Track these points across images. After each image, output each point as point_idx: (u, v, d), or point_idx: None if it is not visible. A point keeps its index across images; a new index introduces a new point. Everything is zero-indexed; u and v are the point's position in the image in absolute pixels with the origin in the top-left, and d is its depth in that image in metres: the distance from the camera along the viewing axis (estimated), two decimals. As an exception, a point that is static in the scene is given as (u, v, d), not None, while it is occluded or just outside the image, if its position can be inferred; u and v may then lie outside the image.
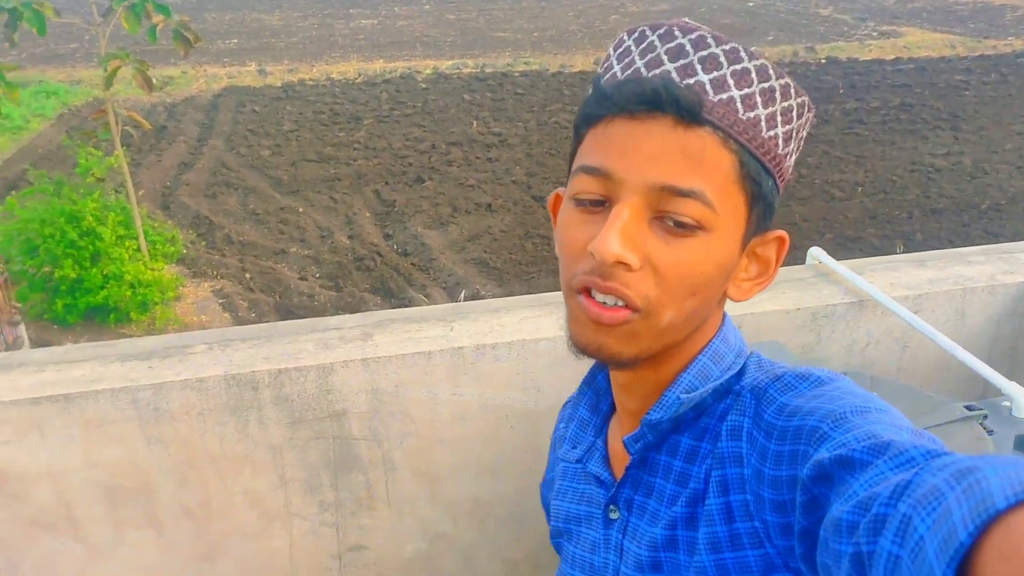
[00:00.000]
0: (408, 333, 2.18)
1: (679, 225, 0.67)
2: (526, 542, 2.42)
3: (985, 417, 1.81)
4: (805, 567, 0.62)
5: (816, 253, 2.47)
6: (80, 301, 7.51)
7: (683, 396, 0.74)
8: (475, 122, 12.25)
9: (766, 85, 0.68)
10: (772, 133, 0.68)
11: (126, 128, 8.14)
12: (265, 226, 9.21)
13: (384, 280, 8.06)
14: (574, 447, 0.86)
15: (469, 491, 2.31)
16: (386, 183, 10.22)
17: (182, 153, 11.31)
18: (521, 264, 8.28)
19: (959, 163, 10.51)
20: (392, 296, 7.83)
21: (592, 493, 0.85)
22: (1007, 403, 1.93)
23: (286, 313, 7.61)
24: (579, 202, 0.70)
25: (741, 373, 0.77)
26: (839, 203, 9.60)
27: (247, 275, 8.27)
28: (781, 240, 0.76)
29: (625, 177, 0.66)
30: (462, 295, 7.77)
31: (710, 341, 0.77)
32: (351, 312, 7.58)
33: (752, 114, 0.67)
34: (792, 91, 0.69)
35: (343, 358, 2.08)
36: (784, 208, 9.29)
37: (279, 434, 2.13)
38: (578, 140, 0.72)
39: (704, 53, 0.67)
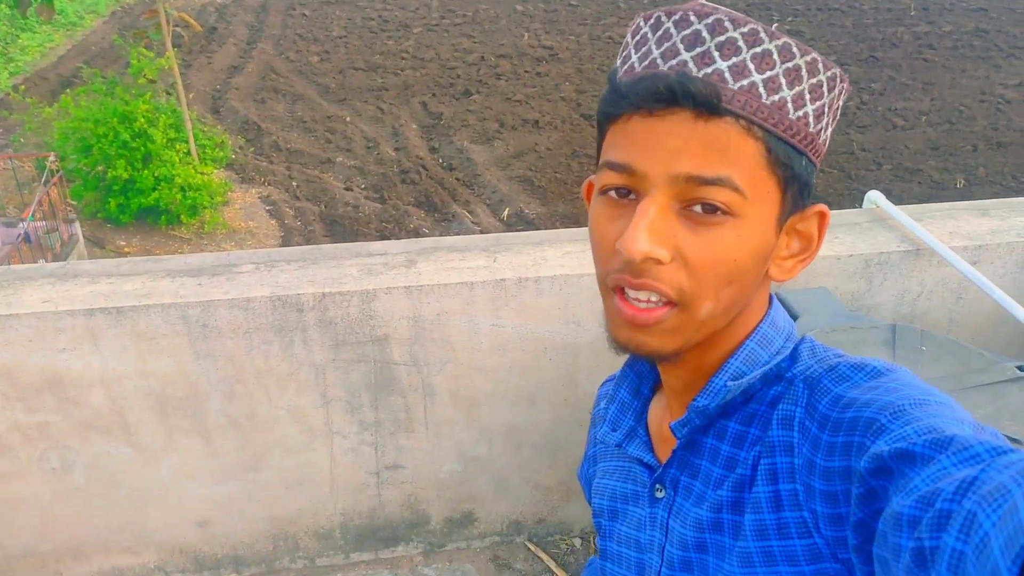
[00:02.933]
0: (451, 263, 2.18)
1: (708, 210, 0.65)
2: (559, 469, 2.47)
3: (1036, 378, 1.76)
4: (857, 559, 0.61)
5: (874, 197, 2.39)
6: (132, 202, 7.63)
7: (730, 384, 0.72)
8: (526, 34, 11.96)
9: (790, 65, 0.65)
10: (801, 113, 0.66)
11: (177, 29, 8.10)
12: (312, 134, 9.20)
13: (428, 194, 8.05)
14: (614, 429, 0.86)
15: (505, 418, 2.35)
16: (433, 95, 10.09)
17: (232, 56, 11.26)
18: (566, 183, 8.18)
19: (1032, 95, 10.03)
20: (435, 210, 7.82)
21: (637, 472, 0.85)
22: (1060, 364, 1.88)
23: (331, 222, 7.67)
24: (607, 194, 0.69)
25: (794, 359, 0.74)
26: (901, 132, 9.25)
27: (294, 183, 8.32)
28: (822, 215, 0.72)
29: (649, 171, 0.65)
30: (505, 212, 7.73)
31: (757, 325, 0.75)
32: (395, 224, 7.61)
33: (776, 97, 0.64)
34: (820, 66, 0.66)
35: (386, 285, 2.09)
36: (842, 136, 8.99)
37: (322, 355, 2.17)
38: (601, 134, 0.71)
39: (721, 39, 0.64)
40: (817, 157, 0.69)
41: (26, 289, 2.13)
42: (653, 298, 0.67)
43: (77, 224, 7.41)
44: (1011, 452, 0.51)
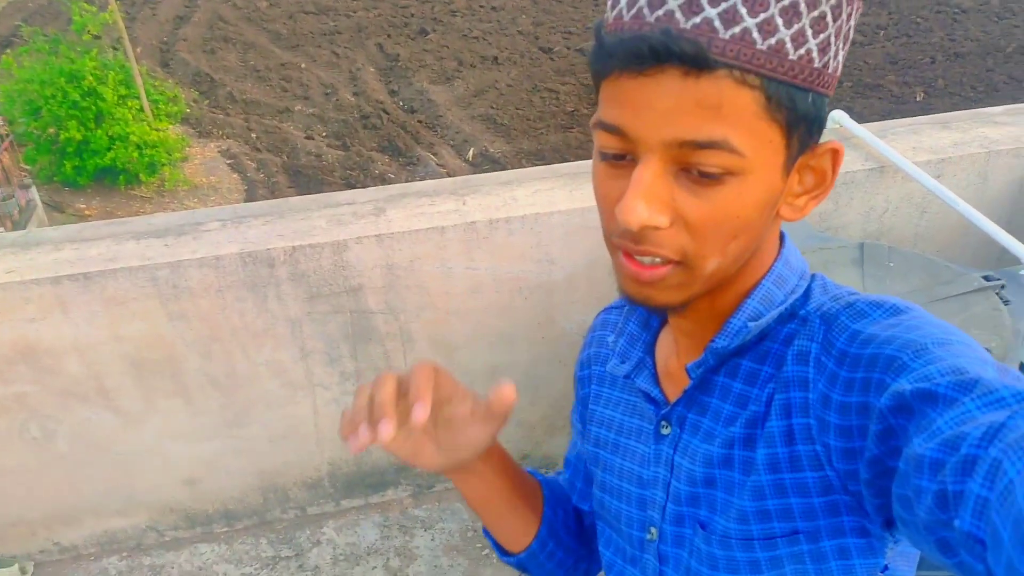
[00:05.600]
0: (421, 208, 2.16)
1: (706, 176, 0.62)
2: (540, 406, 2.50)
3: (1003, 287, 1.81)
4: (868, 492, 0.63)
5: (837, 117, 2.40)
6: (88, 163, 7.44)
7: (750, 324, 0.72)
8: (480, -34, 11.66)
9: (787, 2, 0.60)
10: (802, 51, 0.61)
11: (117, -20, 7.80)
12: (267, 83, 8.98)
13: (391, 138, 7.93)
14: (623, 361, 0.84)
15: (485, 359, 2.37)
16: (388, 36, 9.86)
17: (177, 6, 10.89)
18: (529, 120, 8.10)
19: (987, 3, 10.03)
20: (400, 155, 7.72)
21: (642, 407, 0.84)
22: (1024, 271, 1.93)
23: (294, 173, 7.55)
24: (604, 156, 0.67)
25: (807, 296, 0.73)
26: (859, 48, 9.23)
27: (253, 134, 8.15)
28: (835, 152, 0.69)
29: (641, 136, 0.62)
30: (470, 153, 7.66)
31: (772, 266, 0.74)
32: (359, 171, 7.51)
33: (773, 40, 0.60)
34: None
35: (357, 234, 2.08)
36: (802, 55, 8.95)
37: (297, 309, 2.16)
38: (596, 89, 0.68)
39: None
40: (827, 89, 0.66)
41: (-12, 261, 2.09)
42: (658, 260, 0.66)
43: (34, 189, 7.22)
44: None
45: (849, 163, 2.27)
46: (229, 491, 2.45)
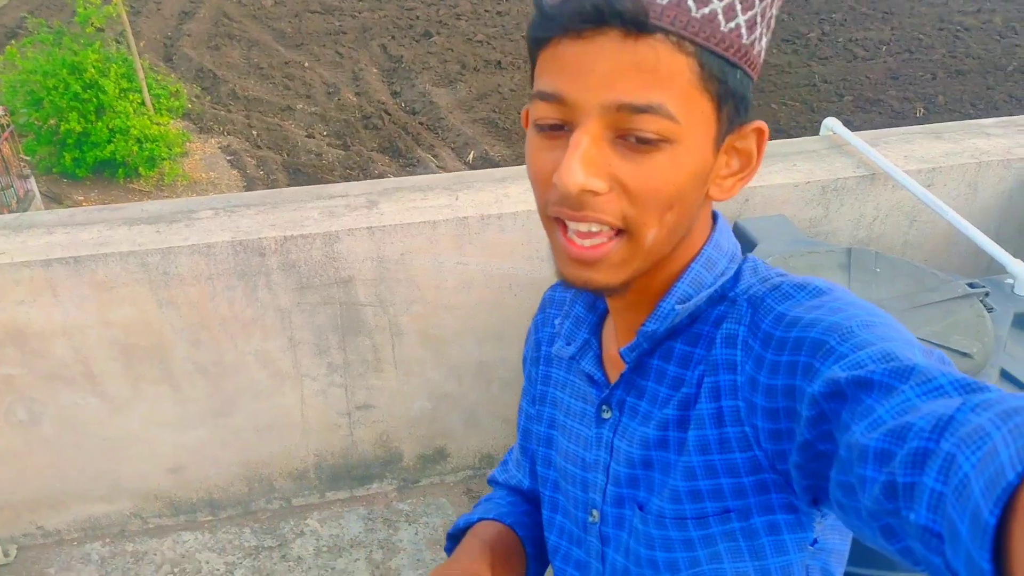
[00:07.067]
0: (413, 202, 2.17)
1: (642, 141, 0.63)
2: (528, 403, 2.51)
3: (987, 294, 1.82)
4: (797, 474, 0.63)
5: (830, 124, 2.41)
6: (88, 155, 7.45)
7: (678, 307, 0.73)
8: (486, -29, 11.69)
9: None
10: (733, 24, 0.63)
11: (122, -26, 7.81)
12: (270, 81, 9.00)
13: (392, 139, 7.95)
14: (568, 343, 0.85)
15: (474, 355, 2.37)
16: (392, 37, 9.88)
17: (181, 1, 10.91)
18: (531, 124, 8.11)
19: (989, 21, 10.07)
20: (400, 156, 7.73)
21: (585, 390, 0.84)
22: (1010, 281, 1.94)
23: (294, 171, 7.56)
24: (540, 128, 0.67)
25: (736, 278, 0.74)
26: (861, 63, 9.26)
27: (254, 132, 8.16)
28: (759, 131, 0.71)
29: (580, 100, 0.63)
30: (471, 155, 7.67)
31: (702, 248, 0.75)
32: (359, 171, 7.53)
33: (707, 9, 0.62)
34: None
35: (348, 226, 2.09)
36: (804, 68, 8.98)
37: (287, 299, 2.16)
38: (532, 62, 0.68)
39: None
40: (752, 69, 0.68)
41: (-20, 242, 2.09)
42: (594, 228, 0.66)
43: (32, 180, 7.23)
44: (982, 390, 0.51)
45: (840, 170, 2.28)
46: (214, 480, 2.45)
